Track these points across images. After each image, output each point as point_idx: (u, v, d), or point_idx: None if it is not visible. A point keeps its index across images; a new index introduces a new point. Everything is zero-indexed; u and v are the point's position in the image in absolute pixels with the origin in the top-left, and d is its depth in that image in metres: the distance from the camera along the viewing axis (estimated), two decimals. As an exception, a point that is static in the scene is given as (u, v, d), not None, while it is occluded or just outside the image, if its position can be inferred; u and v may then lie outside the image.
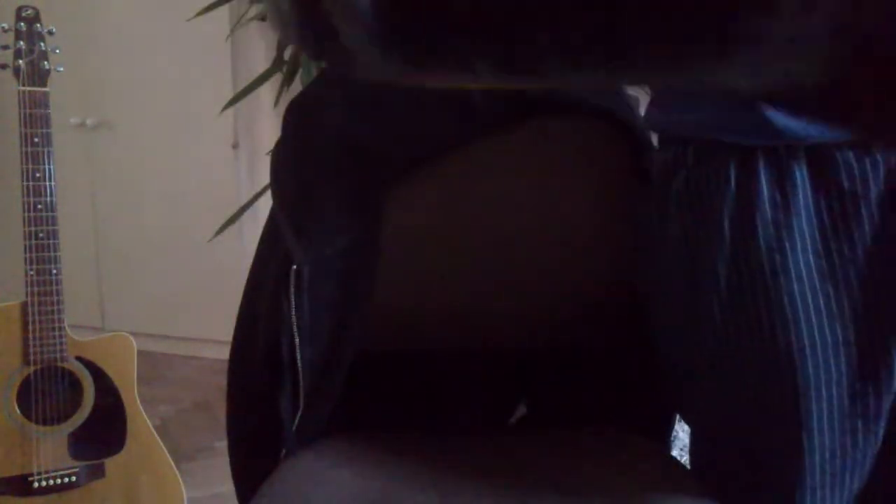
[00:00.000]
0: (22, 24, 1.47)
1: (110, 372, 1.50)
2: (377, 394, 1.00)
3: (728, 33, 0.24)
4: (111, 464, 1.50)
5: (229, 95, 2.22)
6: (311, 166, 0.89)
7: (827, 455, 0.74)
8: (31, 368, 1.43)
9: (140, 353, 1.56)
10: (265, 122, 2.78)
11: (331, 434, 0.89)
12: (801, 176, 0.72)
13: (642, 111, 0.92)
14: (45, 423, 1.45)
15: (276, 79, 2.12)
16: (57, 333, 1.44)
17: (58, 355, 1.44)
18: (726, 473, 0.81)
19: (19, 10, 1.48)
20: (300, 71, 2.00)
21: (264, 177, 1.65)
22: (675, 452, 1.41)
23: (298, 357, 0.85)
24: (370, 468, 0.83)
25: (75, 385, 1.48)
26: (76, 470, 1.47)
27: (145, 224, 2.99)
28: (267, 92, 2.45)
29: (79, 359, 1.47)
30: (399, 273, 0.91)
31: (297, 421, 0.87)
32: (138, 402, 1.54)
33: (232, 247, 2.64)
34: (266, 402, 0.88)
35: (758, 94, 0.68)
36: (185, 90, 2.82)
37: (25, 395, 1.43)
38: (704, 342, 0.77)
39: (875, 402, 0.73)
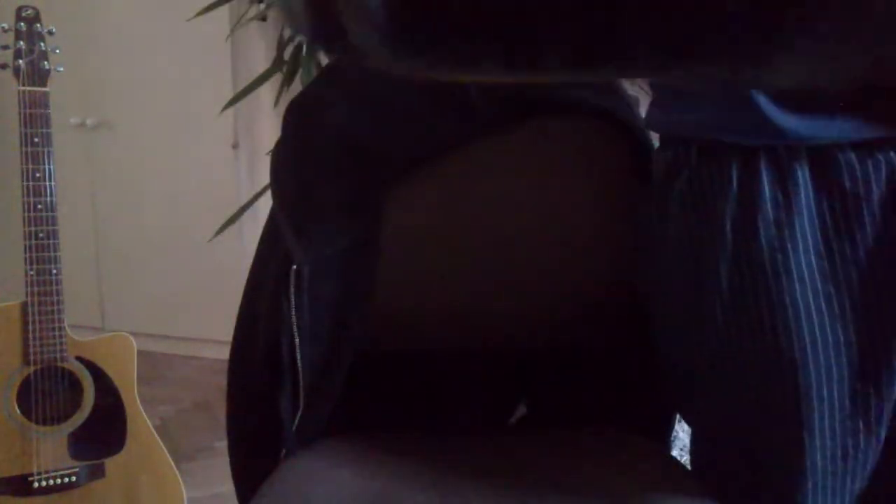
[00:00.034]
0: (22, 24, 1.47)
1: (110, 372, 1.50)
2: (377, 394, 1.00)
3: (783, 26, 0.24)
4: (111, 464, 1.50)
5: (229, 95, 2.22)
6: (311, 166, 0.89)
7: (828, 455, 0.74)
8: (31, 368, 1.43)
9: (140, 353, 1.56)
10: (265, 122, 2.78)
11: (331, 434, 0.90)
12: (803, 176, 0.72)
13: (642, 111, 0.92)
14: (45, 423, 1.45)
15: (276, 79, 2.12)
16: (57, 333, 1.44)
17: (58, 355, 1.44)
18: (726, 473, 0.81)
19: (19, 10, 1.48)
20: (300, 71, 2.00)
21: (264, 177, 1.66)
22: (675, 452, 1.41)
23: (298, 357, 0.85)
24: (370, 468, 0.83)
25: (75, 385, 1.48)
26: (76, 470, 1.47)
27: (145, 224, 2.99)
28: (267, 92, 2.45)
29: (79, 359, 1.47)
30: (399, 273, 0.91)
31: (297, 421, 0.87)
32: (138, 402, 1.54)
33: (232, 247, 2.64)
34: (266, 402, 0.88)
35: (800, 88, 0.68)
36: (185, 90, 2.82)
37: (25, 395, 1.43)
38: (706, 342, 0.77)
39: (876, 402, 0.73)
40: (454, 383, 1.06)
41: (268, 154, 1.00)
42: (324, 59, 2.03)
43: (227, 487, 1.24)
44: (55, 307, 1.43)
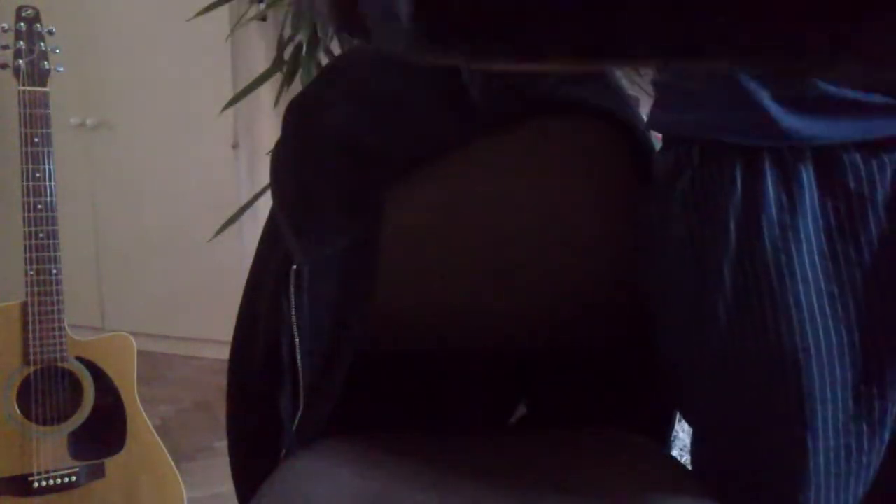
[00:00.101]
0: (22, 24, 1.47)
1: (110, 372, 1.50)
2: (377, 394, 1.00)
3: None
4: (111, 464, 1.50)
5: (229, 95, 2.22)
6: (311, 166, 0.89)
7: (831, 457, 0.74)
8: (31, 368, 1.43)
9: (140, 353, 1.56)
10: (265, 122, 2.78)
11: (331, 434, 0.89)
12: (807, 177, 0.72)
13: (643, 111, 0.92)
14: (45, 423, 1.45)
15: (276, 79, 2.12)
16: (57, 333, 1.44)
17: (58, 355, 1.44)
18: (727, 473, 0.81)
19: (19, 10, 1.48)
20: (300, 71, 2.00)
21: (264, 177, 1.66)
22: (675, 452, 1.41)
23: (298, 357, 0.85)
24: (370, 468, 0.83)
25: (75, 385, 1.47)
26: (76, 470, 1.47)
27: (145, 224, 2.99)
28: (267, 92, 2.45)
29: (79, 359, 1.47)
30: (399, 273, 0.91)
31: (297, 421, 0.87)
32: (138, 402, 1.54)
33: (232, 247, 2.64)
34: (266, 402, 0.88)
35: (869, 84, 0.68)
36: (185, 90, 2.82)
37: (25, 395, 1.43)
38: (708, 342, 0.77)
39: (880, 404, 0.73)
40: (454, 383, 1.06)
41: (268, 154, 1.00)
42: (324, 59, 2.03)
43: (227, 487, 1.24)
44: (55, 307, 1.43)
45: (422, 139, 0.89)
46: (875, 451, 0.75)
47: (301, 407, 0.87)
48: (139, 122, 2.93)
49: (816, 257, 0.72)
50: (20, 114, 1.43)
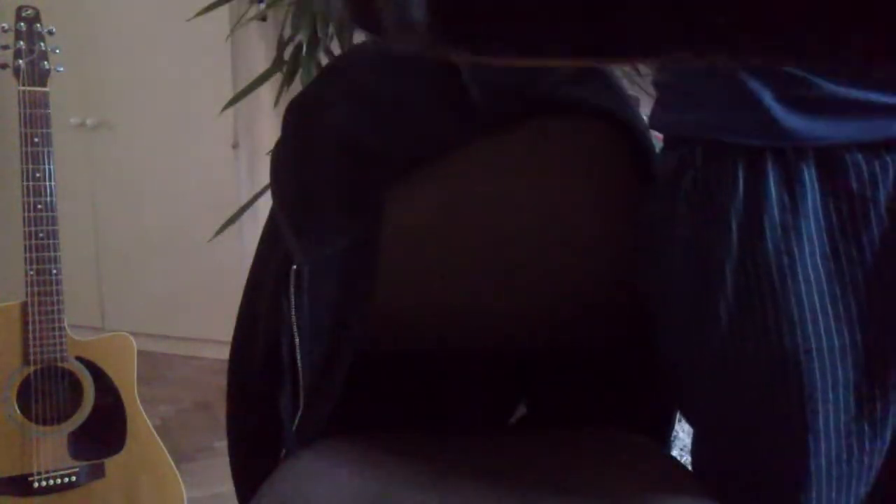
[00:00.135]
0: (22, 24, 1.47)
1: (110, 372, 1.50)
2: (377, 394, 1.00)
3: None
4: (111, 464, 1.50)
5: (229, 95, 2.22)
6: (311, 166, 0.89)
7: (833, 458, 0.73)
8: (31, 368, 1.43)
9: (140, 353, 1.56)
10: (265, 122, 2.78)
11: (331, 434, 0.89)
12: (809, 178, 0.72)
13: (643, 111, 0.91)
14: (45, 423, 1.45)
15: (276, 79, 2.12)
16: (57, 333, 1.44)
17: (58, 355, 1.44)
18: (727, 474, 0.81)
19: (19, 10, 1.48)
20: (300, 71, 1.99)
21: (264, 177, 1.65)
22: (675, 452, 1.41)
23: (298, 357, 0.85)
24: (370, 468, 0.83)
25: (75, 385, 1.47)
26: (76, 470, 1.47)
27: (145, 224, 2.99)
28: (267, 92, 2.45)
29: (79, 359, 1.47)
30: (399, 273, 0.91)
31: (297, 421, 0.87)
32: (138, 402, 1.54)
33: (232, 247, 2.64)
34: (266, 402, 0.88)
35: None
36: (185, 90, 2.82)
37: (25, 395, 1.43)
38: (710, 342, 0.77)
39: (882, 405, 0.73)
40: (454, 383, 1.06)
41: (268, 154, 1.00)
42: (324, 59, 2.03)
43: (227, 487, 1.24)
44: (55, 307, 1.43)
45: (422, 139, 0.89)
46: (876, 451, 0.75)
47: (301, 407, 0.87)
48: (139, 122, 2.93)
49: (818, 258, 0.71)
50: (20, 114, 1.43)
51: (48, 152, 1.44)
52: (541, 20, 0.25)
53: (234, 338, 0.97)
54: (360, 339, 0.87)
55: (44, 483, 1.44)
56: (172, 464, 1.57)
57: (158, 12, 2.78)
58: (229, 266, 2.63)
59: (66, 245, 1.49)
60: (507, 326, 0.98)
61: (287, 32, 2.08)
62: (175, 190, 2.91)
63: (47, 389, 1.45)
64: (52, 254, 1.43)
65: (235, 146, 2.82)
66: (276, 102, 2.16)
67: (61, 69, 1.50)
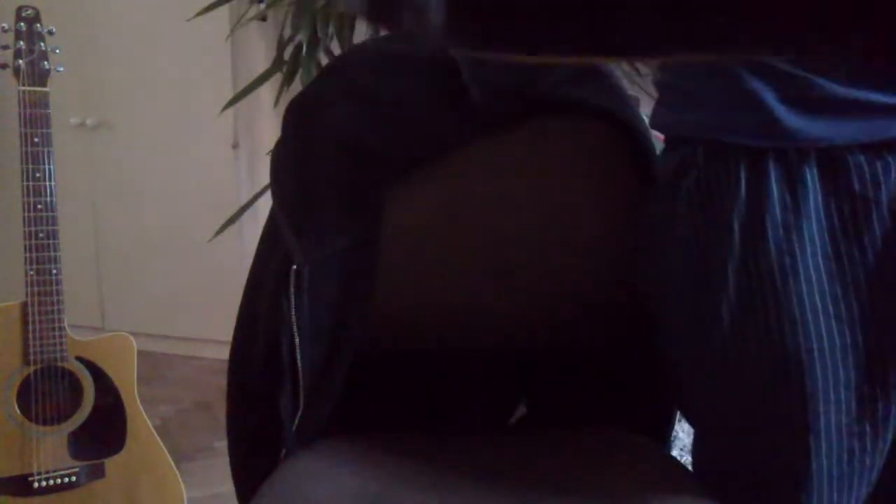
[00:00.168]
0: (22, 24, 1.47)
1: (110, 372, 1.50)
2: (377, 394, 1.00)
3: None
4: (111, 464, 1.50)
5: (229, 95, 2.22)
6: (311, 166, 0.89)
7: (834, 458, 0.73)
8: (31, 368, 1.43)
9: (140, 353, 1.56)
10: (265, 122, 2.78)
11: (331, 434, 0.89)
12: (811, 178, 0.72)
13: (643, 111, 0.91)
14: (45, 423, 1.45)
15: (276, 79, 2.12)
16: (57, 333, 1.44)
17: (58, 355, 1.44)
18: (727, 474, 0.81)
19: (19, 10, 1.48)
20: (300, 71, 2.00)
21: (264, 177, 1.65)
22: (675, 452, 1.41)
23: (298, 357, 0.85)
24: (370, 468, 0.83)
25: (75, 385, 1.47)
26: (76, 470, 1.47)
27: (145, 224, 2.99)
28: (267, 92, 2.45)
29: (79, 359, 1.47)
30: (399, 273, 0.91)
31: (297, 421, 0.87)
32: (138, 402, 1.54)
33: (232, 247, 2.64)
34: (266, 402, 0.88)
35: None
36: (185, 90, 2.82)
37: (25, 395, 1.43)
38: (711, 342, 0.77)
39: (884, 405, 0.73)
40: (454, 383, 1.06)
41: (268, 154, 1.00)
42: (324, 59, 2.03)
43: (227, 487, 1.24)
44: (55, 307, 1.43)
45: (422, 139, 0.89)
46: (878, 451, 0.75)
47: (301, 407, 0.87)
48: (139, 122, 2.93)
49: (820, 258, 0.71)
50: (20, 114, 1.43)
51: (48, 152, 1.44)
52: (542, 18, 0.26)
53: (234, 338, 0.97)
54: (360, 339, 0.87)
55: (44, 483, 1.44)
56: (172, 464, 1.57)
57: (158, 12, 2.78)
58: (229, 266, 2.63)
59: (66, 245, 1.49)
60: (507, 326, 0.98)
61: (287, 32, 2.08)
62: (175, 190, 2.91)
63: (47, 389, 1.45)
64: (52, 254, 1.43)
65: (235, 146, 2.82)
66: (276, 102, 2.16)
67: (61, 69, 1.50)
